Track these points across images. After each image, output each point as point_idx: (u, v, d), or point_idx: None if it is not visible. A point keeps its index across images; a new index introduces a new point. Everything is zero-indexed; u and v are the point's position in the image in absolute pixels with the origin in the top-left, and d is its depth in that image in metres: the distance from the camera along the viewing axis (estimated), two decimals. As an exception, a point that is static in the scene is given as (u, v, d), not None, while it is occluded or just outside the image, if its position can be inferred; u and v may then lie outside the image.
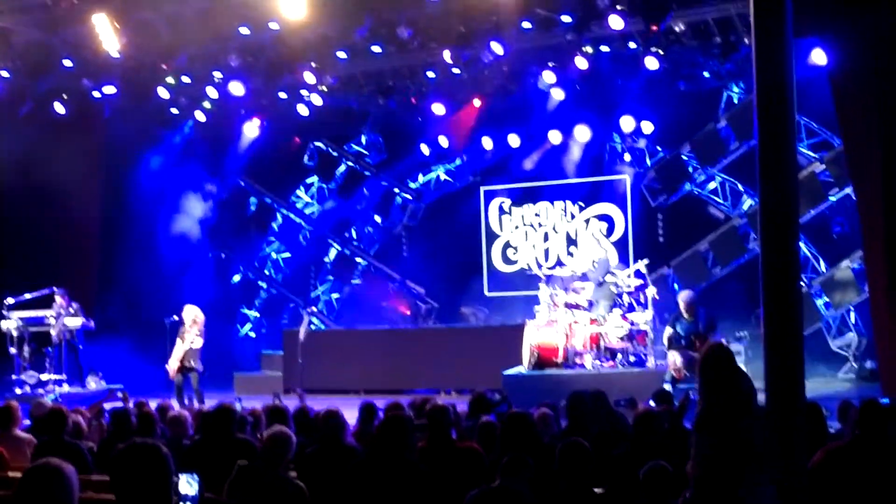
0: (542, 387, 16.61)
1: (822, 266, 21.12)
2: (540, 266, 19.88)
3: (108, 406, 12.94)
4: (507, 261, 24.44)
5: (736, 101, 21.87)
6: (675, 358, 16.19)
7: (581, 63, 19.70)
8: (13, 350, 20.64)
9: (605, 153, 23.53)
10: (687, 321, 16.58)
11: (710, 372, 6.91)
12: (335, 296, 26.58)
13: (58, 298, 20.66)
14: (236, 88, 21.22)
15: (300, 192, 26.97)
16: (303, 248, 26.76)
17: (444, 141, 24.38)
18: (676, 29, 18.88)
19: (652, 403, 11.30)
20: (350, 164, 26.49)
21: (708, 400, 6.87)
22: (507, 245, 24.51)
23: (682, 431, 8.99)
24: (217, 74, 21.32)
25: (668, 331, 16.86)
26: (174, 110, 23.35)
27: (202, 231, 24.29)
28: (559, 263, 22.57)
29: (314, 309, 23.19)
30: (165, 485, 4.56)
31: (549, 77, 20.72)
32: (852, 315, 20.75)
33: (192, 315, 18.25)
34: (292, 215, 26.89)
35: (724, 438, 6.63)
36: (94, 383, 20.90)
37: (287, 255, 27.05)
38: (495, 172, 24.48)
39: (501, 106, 22.44)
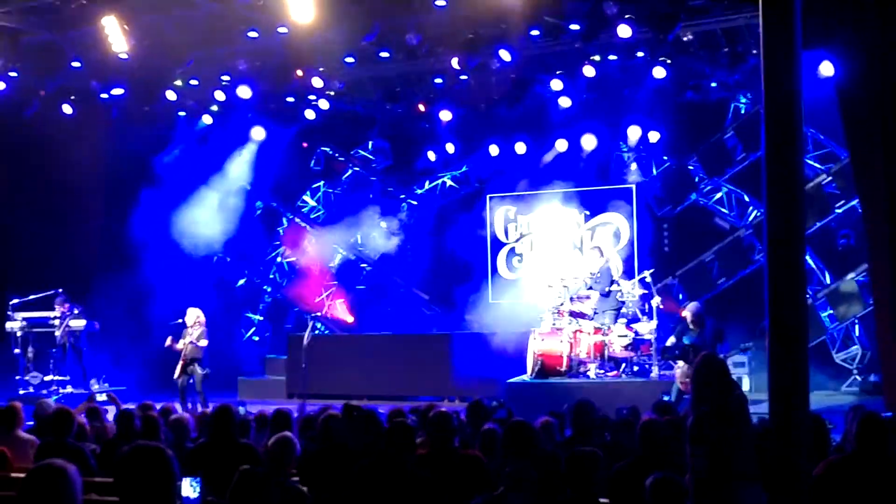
0: (546, 395, 16.62)
1: (828, 278, 21.08)
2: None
3: (108, 409, 12.95)
4: (511, 268, 24.41)
5: (743, 111, 21.86)
6: (682, 368, 16.04)
7: (588, 71, 19.71)
8: (17, 351, 20.70)
9: (611, 162, 23.50)
10: (693, 333, 16.43)
11: (701, 381, 6.92)
12: (339, 301, 26.56)
13: (58, 305, 20.74)
14: (244, 92, 21.18)
15: (306, 196, 26.96)
16: (308, 253, 26.67)
17: (450, 147, 24.40)
18: (684, 39, 18.86)
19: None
20: (356, 169, 26.47)
21: (699, 409, 6.89)
22: (511, 252, 24.49)
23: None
24: (225, 78, 21.33)
25: (671, 340, 16.74)
26: (181, 113, 23.36)
27: (208, 234, 24.22)
28: (564, 272, 22.55)
29: (318, 314, 23.18)
30: (169, 488, 4.55)
31: (556, 85, 20.72)
32: (856, 328, 20.73)
33: (195, 317, 18.42)
34: (298, 220, 26.88)
35: (715, 448, 6.64)
36: (96, 385, 20.94)
37: (292, 259, 27.03)
38: (501, 180, 24.45)
39: (508, 113, 22.40)
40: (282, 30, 18.50)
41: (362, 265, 26.27)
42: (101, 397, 15.76)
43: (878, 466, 7.24)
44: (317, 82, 20.90)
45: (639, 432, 8.46)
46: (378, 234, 25.63)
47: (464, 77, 20.71)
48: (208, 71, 21.01)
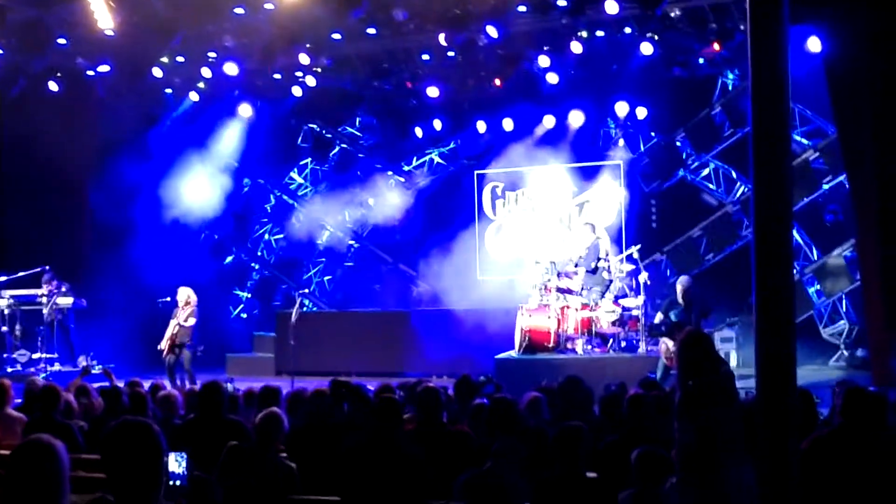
0: (534, 371, 16.63)
1: (815, 254, 21.14)
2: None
3: (96, 385, 12.93)
4: (499, 245, 24.37)
5: (731, 87, 21.88)
6: (667, 344, 16.05)
7: (576, 47, 19.69)
8: (4, 328, 20.65)
9: (599, 138, 23.49)
10: (680, 308, 16.47)
11: (688, 357, 6.92)
12: (327, 278, 26.55)
13: (45, 282, 20.66)
14: (231, 69, 21.11)
15: (294, 173, 26.89)
16: (296, 230, 26.63)
17: (437, 124, 24.35)
18: (672, 14, 18.84)
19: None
20: (344, 146, 26.41)
21: (685, 385, 6.89)
22: (499, 229, 24.47)
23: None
24: (212, 54, 21.23)
25: (659, 317, 16.79)
26: (168, 90, 23.26)
27: (195, 211, 24.15)
28: (551, 248, 22.52)
29: (306, 291, 23.18)
30: (157, 463, 4.52)
31: (544, 61, 20.67)
32: (844, 303, 20.79)
33: (185, 296, 18.37)
34: (285, 197, 26.82)
35: (702, 424, 6.65)
36: (84, 362, 20.89)
37: (280, 236, 26.99)
38: (489, 156, 24.39)
39: (496, 90, 22.35)
40: (268, 6, 18.44)
41: (350, 242, 26.24)
42: (97, 371, 15.74)
43: (864, 440, 7.27)
44: (304, 59, 20.83)
45: (626, 407, 8.49)
46: (366, 210, 25.64)
47: (451, 53, 20.64)
48: (195, 48, 20.88)
